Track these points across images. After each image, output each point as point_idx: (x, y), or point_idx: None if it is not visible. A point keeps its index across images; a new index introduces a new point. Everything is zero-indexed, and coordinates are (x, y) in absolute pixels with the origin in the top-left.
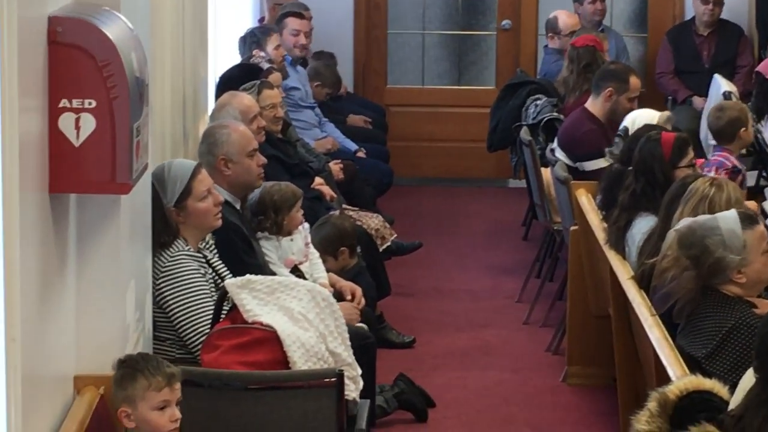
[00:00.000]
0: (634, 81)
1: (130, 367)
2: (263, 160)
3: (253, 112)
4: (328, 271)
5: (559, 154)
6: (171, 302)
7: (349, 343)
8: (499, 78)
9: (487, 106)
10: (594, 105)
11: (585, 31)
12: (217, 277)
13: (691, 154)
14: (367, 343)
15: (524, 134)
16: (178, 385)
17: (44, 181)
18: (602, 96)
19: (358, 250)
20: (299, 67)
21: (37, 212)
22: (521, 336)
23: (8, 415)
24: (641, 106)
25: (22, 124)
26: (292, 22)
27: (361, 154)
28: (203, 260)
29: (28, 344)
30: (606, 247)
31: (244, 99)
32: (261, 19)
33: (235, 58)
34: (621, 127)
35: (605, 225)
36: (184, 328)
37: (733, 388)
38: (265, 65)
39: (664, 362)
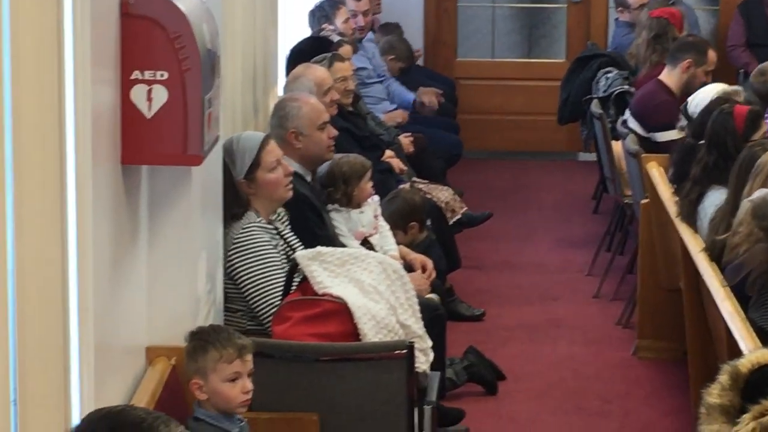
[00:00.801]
0: (712, 54)
1: (201, 339)
2: (334, 132)
3: (327, 85)
4: (398, 244)
5: (632, 124)
6: (242, 274)
7: (419, 315)
8: (570, 51)
9: (558, 79)
10: (670, 76)
11: (658, 4)
12: (288, 249)
13: (764, 127)
14: (438, 315)
15: (595, 107)
16: (249, 357)
17: (116, 153)
18: (680, 67)
19: (428, 223)
20: (366, 41)
21: (109, 183)
22: (591, 309)
23: (81, 385)
24: (714, 79)
25: (95, 96)
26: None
27: (426, 98)
28: (274, 232)
29: (100, 314)
30: (677, 220)
31: (318, 71)
32: None
33: (306, 32)
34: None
35: (676, 198)
36: (255, 299)
37: None
38: (336, 38)
39: (736, 335)
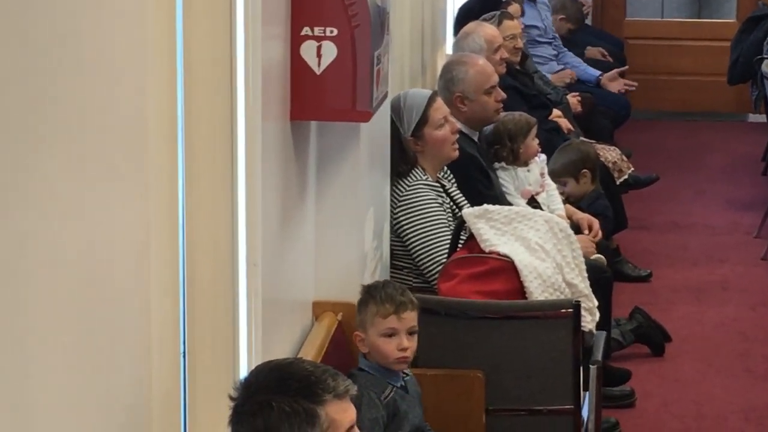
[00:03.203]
0: None
1: (367, 293)
2: (502, 95)
3: (497, 42)
4: (568, 194)
5: None
6: (408, 231)
7: (586, 274)
8: (740, 10)
9: (728, 40)
10: None
11: None
12: (454, 207)
13: None
14: (604, 276)
15: (765, 68)
16: (408, 314)
17: (285, 109)
18: None
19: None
20: (540, 2)
21: (278, 139)
22: (759, 272)
23: (249, 338)
24: None
25: (265, 52)
26: None
27: (607, 81)
28: (441, 189)
29: (268, 269)
30: None
31: (488, 29)
32: None
33: None
34: None
35: None
36: (421, 256)
37: None
38: None
39: None
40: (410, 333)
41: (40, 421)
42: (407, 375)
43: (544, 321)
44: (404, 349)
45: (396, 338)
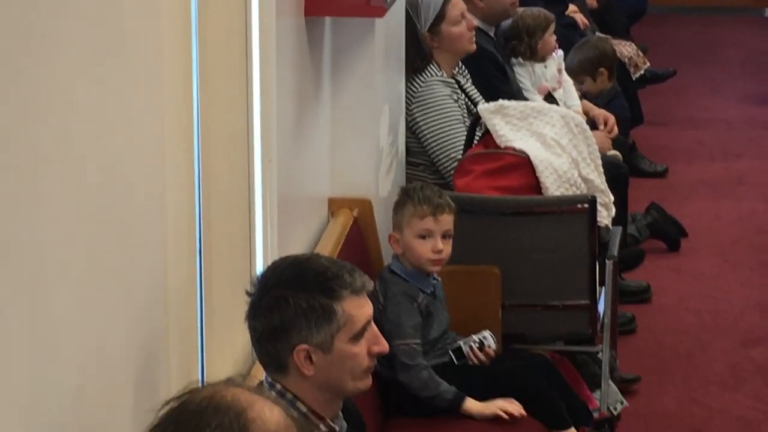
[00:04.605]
0: None
1: (405, 194)
2: None
3: None
4: (585, 92)
5: None
6: (423, 127)
7: (602, 170)
8: None
9: None
10: None
11: None
12: (470, 103)
13: None
14: (620, 172)
15: None
16: (445, 217)
17: (300, 5)
18: None
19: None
20: None
21: (292, 36)
22: None
23: (265, 234)
24: None
25: None
26: None
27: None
28: (456, 86)
29: (283, 166)
30: None
31: None
32: None
33: None
34: None
35: None
36: (437, 153)
37: None
38: None
39: None
40: (445, 236)
41: (60, 312)
42: (436, 280)
43: (560, 216)
44: (439, 251)
45: (431, 240)
